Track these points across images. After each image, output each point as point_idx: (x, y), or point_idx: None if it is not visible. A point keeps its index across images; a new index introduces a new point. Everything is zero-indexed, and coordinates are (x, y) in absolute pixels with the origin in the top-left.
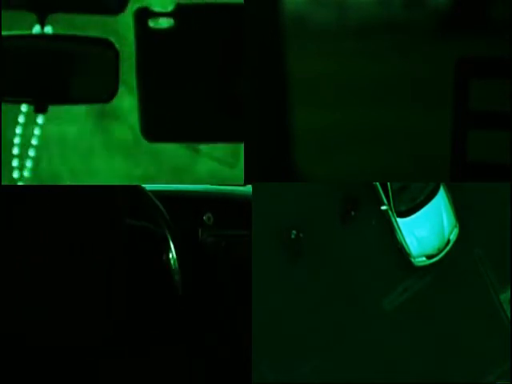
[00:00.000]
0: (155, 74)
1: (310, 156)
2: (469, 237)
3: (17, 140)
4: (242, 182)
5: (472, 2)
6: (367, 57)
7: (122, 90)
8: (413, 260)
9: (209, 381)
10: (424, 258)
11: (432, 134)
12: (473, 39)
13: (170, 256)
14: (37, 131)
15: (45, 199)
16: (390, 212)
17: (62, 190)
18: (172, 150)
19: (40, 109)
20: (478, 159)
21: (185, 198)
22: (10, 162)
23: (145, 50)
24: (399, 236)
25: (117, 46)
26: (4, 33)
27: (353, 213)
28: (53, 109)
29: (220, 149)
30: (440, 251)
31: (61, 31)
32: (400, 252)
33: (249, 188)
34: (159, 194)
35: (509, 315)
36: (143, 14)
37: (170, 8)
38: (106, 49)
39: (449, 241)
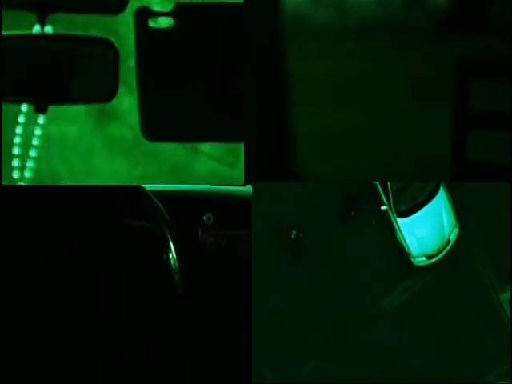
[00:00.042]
0: (155, 74)
1: (310, 156)
2: (469, 237)
3: (17, 140)
4: (242, 182)
5: (472, 2)
6: (367, 57)
7: (121, 89)
8: (413, 260)
9: (209, 381)
10: (424, 258)
11: (432, 133)
12: (473, 39)
13: (170, 256)
14: (38, 131)
15: (45, 199)
16: (390, 212)
17: (61, 190)
18: (171, 150)
19: (40, 109)
20: (478, 159)
21: (185, 197)
22: (10, 162)
23: (145, 49)
24: (399, 236)
25: (117, 45)
26: (4, 33)
27: (353, 213)
28: (52, 108)
29: (218, 148)
30: (440, 251)
31: (60, 31)
32: (400, 252)
33: (249, 188)
34: (159, 193)
35: (509, 315)
36: (143, 14)
37: (169, 7)
38: (106, 48)
39: (449, 241)
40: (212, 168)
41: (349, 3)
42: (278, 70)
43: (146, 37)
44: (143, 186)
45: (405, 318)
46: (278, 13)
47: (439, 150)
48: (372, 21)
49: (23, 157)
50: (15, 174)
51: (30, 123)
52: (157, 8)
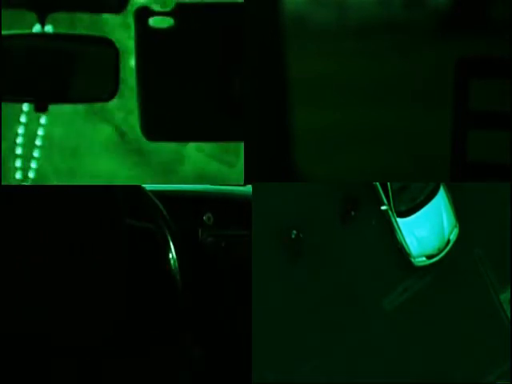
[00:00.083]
0: (155, 74)
1: (310, 156)
2: (469, 237)
3: (20, 140)
4: (242, 182)
5: (472, 2)
6: (367, 57)
7: None
8: (413, 260)
9: (209, 381)
10: (424, 258)
11: (432, 133)
12: (473, 39)
13: (170, 256)
14: (40, 131)
15: (45, 199)
16: (390, 212)
17: (62, 190)
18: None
19: (40, 108)
20: (478, 159)
21: (185, 198)
22: (7, 163)
23: (145, 49)
24: (399, 236)
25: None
26: (4, 32)
27: (353, 213)
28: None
29: (210, 146)
30: (440, 251)
31: (49, 29)
32: (400, 252)
33: (249, 188)
34: (159, 193)
35: (509, 315)
36: (143, 14)
37: (169, 7)
38: (106, 48)
39: (449, 241)
40: (201, 165)
41: (349, 3)
42: (278, 70)
43: (146, 37)
44: (143, 186)
45: (405, 318)
46: (278, 13)
47: (439, 150)
48: (372, 21)
49: (26, 157)
50: (18, 175)
51: (31, 123)
52: (157, 8)
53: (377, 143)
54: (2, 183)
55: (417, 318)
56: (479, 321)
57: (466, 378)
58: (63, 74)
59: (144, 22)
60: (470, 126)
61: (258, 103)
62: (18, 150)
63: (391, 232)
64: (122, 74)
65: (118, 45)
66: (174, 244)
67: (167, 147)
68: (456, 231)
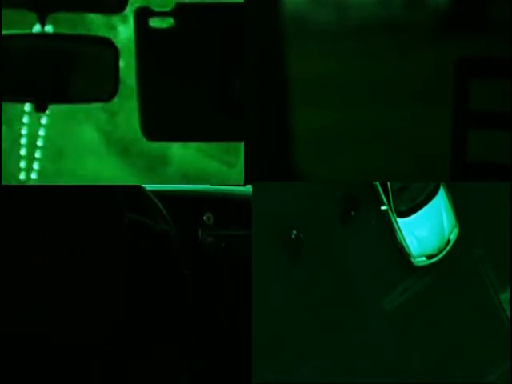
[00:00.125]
0: (155, 74)
1: (310, 156)
2: (469, 237)
3: (23, 141)
4: (242, 182)
5: (472, 2)
6: (367, 57)
7: None
8: (413, 260)
9: (209, 381)
10: (424, 258)
11: (432, 133)
12: (473, 39)
13: (170, 256)
14: (41, 132)
15: (45, 199)
16: (390, 212)
17: (62, 190)
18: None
19: (40, 108)
20: (478, 159)
21: (185, 198)
22: (9, 163)
23: (145, 49)
24: (399, 236)
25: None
26: (4, 32)
27: (353, 213)
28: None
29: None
30: (440, 251)
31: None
32: (400, 252)
33: (249, 188)
34: (159, 193)
35: (509, 315)
36: (143, 14)
37: (169, 7)
38: (106, 48)
39: (449, 241)
40: (185, 170)
41: (349, 3)
42: (278, 70)
43: (146, 37)
44: (143, 185)
45: (405, 318)
46: (278, 13)
47: (439, 149)
48: (372, 21)
49: (29, 158)
50: (22, 176)
51: (24, 123)
52: (157, 8)
53: (377, 143)
54: (4, 183)
55: (417, 317)
56: (479, 321)
57: (466, 377)
58: (63, 74)
59: (144, 22)
60: (470, 125)
61: (258, 103)
62: (22, 151)
63: (391, 232)
64: None
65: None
66: (174, 244)
67: (152, 148)
68: (456, 231)
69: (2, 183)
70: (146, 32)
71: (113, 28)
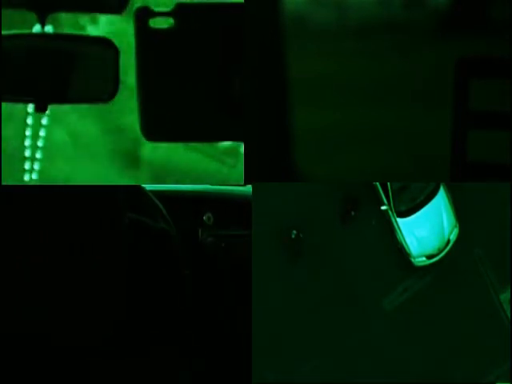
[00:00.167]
0: (155, 74)
1: (310, 156)
2: (469, 237)
3: (27, 142)
4: (242, 182)
5: (472, 2)
6: (367, 57)
7: None
8: (413, 260)
9: (209, 381)
10: (424, 258)
11: (432, 133)
12: (473, 39)
13: (171, 256)
14: (42, 132)
15: (45, 199)
16: (390, 212)
17: (62, 190)
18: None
19: (40, 108)
20: (478, 159)
21: (185, 198)
22: (12, 164)
23: (145, 49)
24: (399, 236)
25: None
26: (4, 32)
27: (353, 213)
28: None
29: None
30: (440, 251)
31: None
32: (400, 252)
33: (249, 188)
34: (159, 193)
35: (509, 315)
36: (143, 14)
37: (169, 7)
38: (106, 48)
39: (449, 241)
40: (157, 155)
41: (349, 3)
42: (278, 70)
43: (146, 37)
44: (143, 185)
45: (405, 318)
46: (278, 13)
47: (439, 150)
48: (372, 21)
49: (31, 159)
50: (26, 177)
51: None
52: (157, 8)
53: (377, 143)
54: (5, 183)
55: (417, 317)
56: (479, 321)
57: (466, 377)
58: (63, 74)
59: (144, 22)
60: (470, 125)
61: (258, 103)
62: (27, 153)
63: (391, 232)
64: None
65: None
66: (174, 244)
67: (123, 149)
68: (456, 231)
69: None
70: (146, 32)
71: (82, 28)
